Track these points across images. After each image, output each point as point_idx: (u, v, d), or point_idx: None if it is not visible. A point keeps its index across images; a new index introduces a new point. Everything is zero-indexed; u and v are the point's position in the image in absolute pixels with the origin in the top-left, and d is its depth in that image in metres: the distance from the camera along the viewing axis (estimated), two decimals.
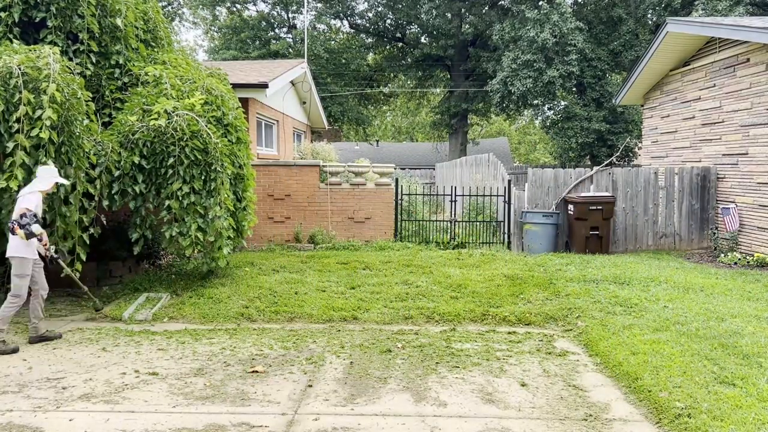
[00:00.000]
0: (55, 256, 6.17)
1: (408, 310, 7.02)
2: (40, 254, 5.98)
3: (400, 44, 34.61)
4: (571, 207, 10.99)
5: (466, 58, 30.30)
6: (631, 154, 23.37)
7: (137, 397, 4.58)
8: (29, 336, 6.01)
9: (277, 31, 34.03)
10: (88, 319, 6.98)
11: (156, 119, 7.09)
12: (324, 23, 33.75)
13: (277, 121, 15.53)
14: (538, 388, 4.76)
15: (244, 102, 12.19)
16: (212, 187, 7.40)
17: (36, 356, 5.56)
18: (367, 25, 34.14)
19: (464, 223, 12.45)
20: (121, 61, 7.97)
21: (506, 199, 11.89)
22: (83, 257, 6.89)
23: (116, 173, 7.16)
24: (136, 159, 7.18)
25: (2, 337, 5.72)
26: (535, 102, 23.67)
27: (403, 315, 6.88)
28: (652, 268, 8.99)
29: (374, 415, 4.25)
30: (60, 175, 6.38)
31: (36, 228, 5.65)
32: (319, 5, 32.43)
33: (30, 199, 5.74)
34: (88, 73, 7.60)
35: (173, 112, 7.24)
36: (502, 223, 12.14)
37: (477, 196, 13.51)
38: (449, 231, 12.16)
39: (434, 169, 28.37)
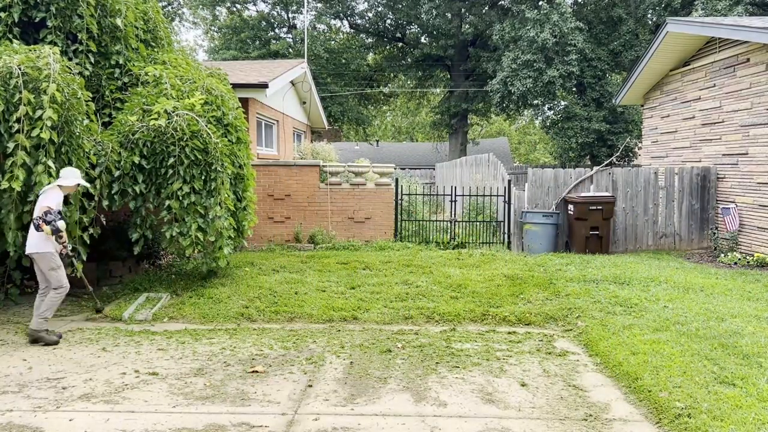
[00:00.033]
0: (71, 254, 6.28)
1: (408, 310, 7.02)
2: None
3: (400, 44, 34.61)
4: (571, 207, 10.99)
5: (466, 58, 30.30)
6: (631, 154, 23.38)
7: (137, 397, 4.58)
8: (29, 329, 5.99)
9: (277, 31, 34.04)
10: (88, 319, 6.97)
11: (156, 119, 7.09)
12: (324, 23, 33.76)
13: (277, 121, 15.53)
14: (538, 388, 4.76)
15: (244, 102, 12.19)
16: (212, 187, 7.40)
17: (36, 356, 5.56)
18: (367, 25, 34.15)
19: (464, 223, 12.45)
20: (121, 61, 7.97)
21: (506, 199, 11.89)
22: (83, 257, 6.90)
23: (116, 173, 7.16)
24: (136, 159, 7.19)
25: (46, 326, 5.92)
26: (535, 102, 23.67)
27: (403, 315, 6.88)
28: (652, 268, 8.99)
29: (374, 415, 4.25)
30: (60, 175, 6.40)
31: (62, 224, 5.81)
32: (319, 5, 32.44)
33: (51, 196, 5.86)
34: (87, 73, 7.60)
35: (173, 112, 7.24)
36: (502, 223, 12.14)
37: (477, 196, 13.51)
38: (449, 231, 12.17)
39: (434, 169, 28.37)
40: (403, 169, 24.94)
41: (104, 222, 7.46)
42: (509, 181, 12.06)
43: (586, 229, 10.75)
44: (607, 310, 6.80)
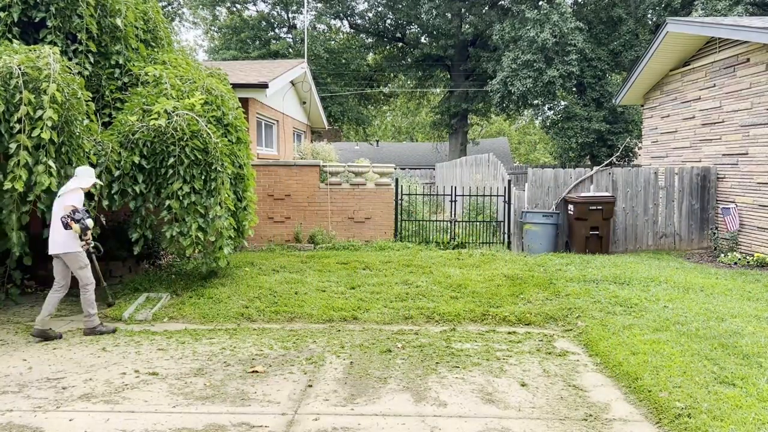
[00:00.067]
0: (92, 251, 6.43)
1: (408, 310, 7.02)
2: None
3: (400, 44, 34.61)
4: (571, 207, 10.99)
5: (466, 58, 30.30)
6: (631, 154, 23.37)
7: (137, 397, 4.58)
8: (35, 328, 6.11)
9: (277, 31, 34.04)
10: None
11: (156, 119, 7.09)
12: (324, 23, 33.76)
13: (277, 121, 15.53)
14: (538, 388, 4.76)
15: (244, 102, 12.19)
16: (212, 187, 7.40)
17: (36, 356, 5.56)
18: (367, 25, 34.15)
19: (464, 223, 12.45)
20: (120, 61, 7.97)
21: (506, 199, 11.89)
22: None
23: (116, 173, 7.16)
24: (136, 159, 7.19)
25: (99, 321, 6.26)
26: (535, 102, 23.67)
27: (403, 315, 6.88)
28: (652, 268, 8.99)
29: (374, 415, 4.25)
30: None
31: (90, 222, 6.07)
32: (319, 5, 32.44)
33: (74, 197, 6.05)
34: (87, 73, 7.60)
35: (173, 112, 7.24)
36: (502, 223, 12.14)
37: (477, 196, 13.51)
38: (449, 231, 12.16)
39: (434, 169, 28.37)
40: (403, 169, 24.94)
41: (104, 222, 7.47)
42: (509, 181, 12.06)
43: (586, 229, 10.75)
44: (607, 310, 6.80)
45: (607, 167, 11.52)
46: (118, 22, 7.81)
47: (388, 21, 33.17)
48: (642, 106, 15.06)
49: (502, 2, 28.19)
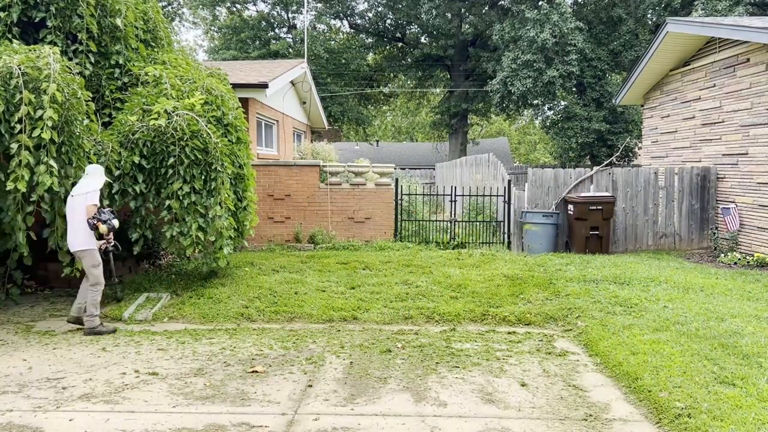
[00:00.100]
0: (111, 248, 6.57)
1: (408, 310, 7.02)
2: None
3: (400, 44, 34.61)
4: (571, 207, 10.99)
5: (466, 58, 30.30)
6: (631, 154, 23.38)
7: (137, 397, 4.58)
8: (72, 315, 6.41)
9: (277, 31, 34.04)
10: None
11: (156, 119, 7.10)
12: (324, 23, 33.75)
13: (277, 121, 15.53)
14: (538, 388, 4.76)
15: (244, 102, 12.19)
16: (212, 187, 7.40)
17: (36, 356, 5.56)
18: (367, 25, 34.14)
19: (464, 223, 12.45)
20: (120, 61, 7.97)
21: (506, 199, 11.89)
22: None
23: (116, 173, 7.16)
24: (136, 159, 7.19)
25: (99, 321, 6.29)
26: (535, 102, 23.67)
27: (403, 315, 6.88)
28: (652, 268, 8.99)
29: (374, 415, 4.25)
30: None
31: (116, 222, 6.30)
32: (319, 5, 32.44)
33: (95, 198, 6.22)
34: (87, 72, 7.60)
35: (173, 112, 7.24)
36: (502, 223, 12.14)
37: (477, 196, 13.51)
38: (449, 231, 12.17)
39: (434, 169, 28.37)
40: (403, 169, 24.95)
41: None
42: (509, 181, 12.06)
43: (586, 229, 10.75)
44: (607, 310, 6.80)
45: (607, 167, 11.52)
46: (118, 22, 7.81)
47: (388, 21, 33.17)
48: (642, 106, 15.06)
49: (502, 2, 28.19)
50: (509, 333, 6.34)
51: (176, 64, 8.39)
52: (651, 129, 14.45)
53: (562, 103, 25.63)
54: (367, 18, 33.81)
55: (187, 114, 7.27)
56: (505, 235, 11.79)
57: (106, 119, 7.88)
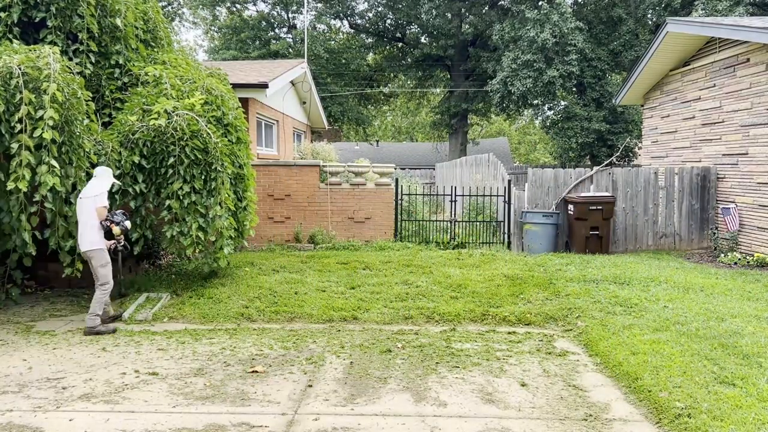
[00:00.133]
0: (120, 248, 6.66)
1: (408, 310, 7.02)
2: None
3: (400, 44, 34.61)
4: (571, 207, 10.99)
5: (466, 58, 30.30)
6: (631, 154, 23.38)
7: (137, 397, 4.58)
8: (100, 318, 6.44)
9: (277, 31, 34.04)
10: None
11: (156, 119, 7.09)
12: (324, 23, 33.75)
13: (277, 121, 15.53)
14: (538, 388, 4.76)
15: (244, 102, 12.19)
16: (213, 187, 7.40)
17: (36, 356, 5.56)
18: (367, 25, 34.15)
19: (464, 223, 12.45)
20: (120, 61, 7.97)
21: (506, 199, 11.89)
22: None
23: (116, 173, 7.16)
24: (136, 159, 7.19)
25: (99, 321, 6.32)
26: (535, 102, 23.67)
27: (403, 315, 6.88)
28: (652, 268, 8.99)
29: (374, 415, 4.25)
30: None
31: (128, 224, 6.39)
32: (319, 5, 32.44)
33: (104, 199, 6.34)
34: (88, 72, 7.60)
35: (173, 111, 7.24)
36: (502, 223, 12.14)
37: (477, 196, 13.51)
38: (449, 231, 12.16)
39: (434, 169, 28.37)
40: (403, 169, 24.95)
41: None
42: (509, 181, 12.06)
43: (586, 229, 10.75)
44: (607, 310, 6.80)
45: (607, 167, 11.52)
46: (118, 22, 7.81)
47: (388, 21, 33.17)
48: (642, 106, 15.06)
49: (502, 2, 28.18)
50: (509, 333, 6.34)
51: (176, 64, 8.39)
52: (651, 129, 14.45)
53: (562, 103, 25.64)
54: (367, 18, 33.82)
55: (187, 114, 7.27)
56: (505, 235, 11.79)
57: (106, 119, 7.89)
